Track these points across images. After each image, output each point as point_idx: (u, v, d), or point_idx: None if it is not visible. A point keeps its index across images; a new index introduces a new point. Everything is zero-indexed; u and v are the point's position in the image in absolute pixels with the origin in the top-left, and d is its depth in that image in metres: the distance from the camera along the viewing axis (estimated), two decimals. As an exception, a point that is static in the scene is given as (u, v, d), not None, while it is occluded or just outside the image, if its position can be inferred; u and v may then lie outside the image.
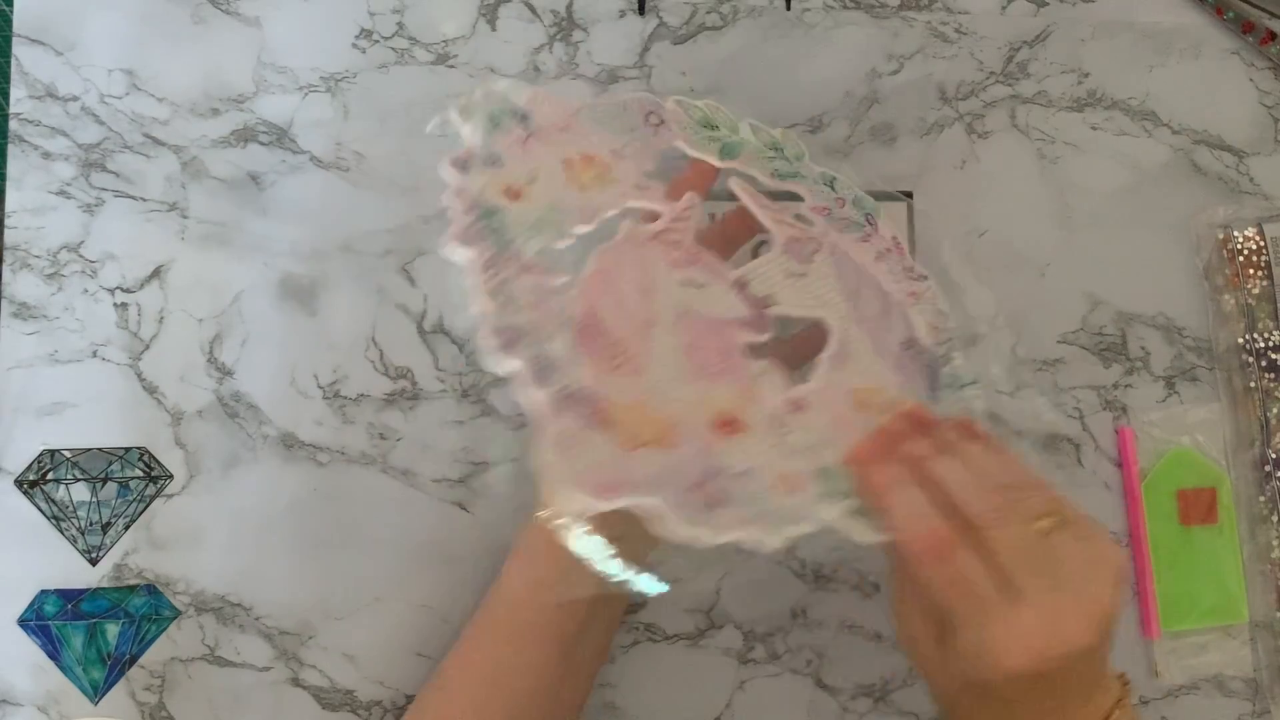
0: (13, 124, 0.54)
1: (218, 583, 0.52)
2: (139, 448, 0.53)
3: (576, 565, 0.44)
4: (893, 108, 0.58)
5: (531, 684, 0.45)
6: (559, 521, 0.38)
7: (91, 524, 0.52)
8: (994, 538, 0.39)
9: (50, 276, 0.53)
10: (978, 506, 0.39)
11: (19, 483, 0.52)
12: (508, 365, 0.38)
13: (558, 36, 0.56)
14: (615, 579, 0.40)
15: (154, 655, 0.52)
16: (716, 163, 0.47)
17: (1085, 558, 0.39)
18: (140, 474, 0.52)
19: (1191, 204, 0.57)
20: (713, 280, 0.45)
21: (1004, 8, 0.58)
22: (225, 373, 0.53)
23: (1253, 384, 0.55)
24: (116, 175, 0.54)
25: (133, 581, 0.52)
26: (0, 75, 0.54)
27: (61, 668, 0.51)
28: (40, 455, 0.52)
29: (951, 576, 0.39)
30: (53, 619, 0.51)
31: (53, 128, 0.54)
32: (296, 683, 0.52)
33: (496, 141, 0.43)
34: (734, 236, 0.49)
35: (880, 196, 0.51)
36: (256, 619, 0.52)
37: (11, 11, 0.54)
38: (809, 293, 0.46)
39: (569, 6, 0.56)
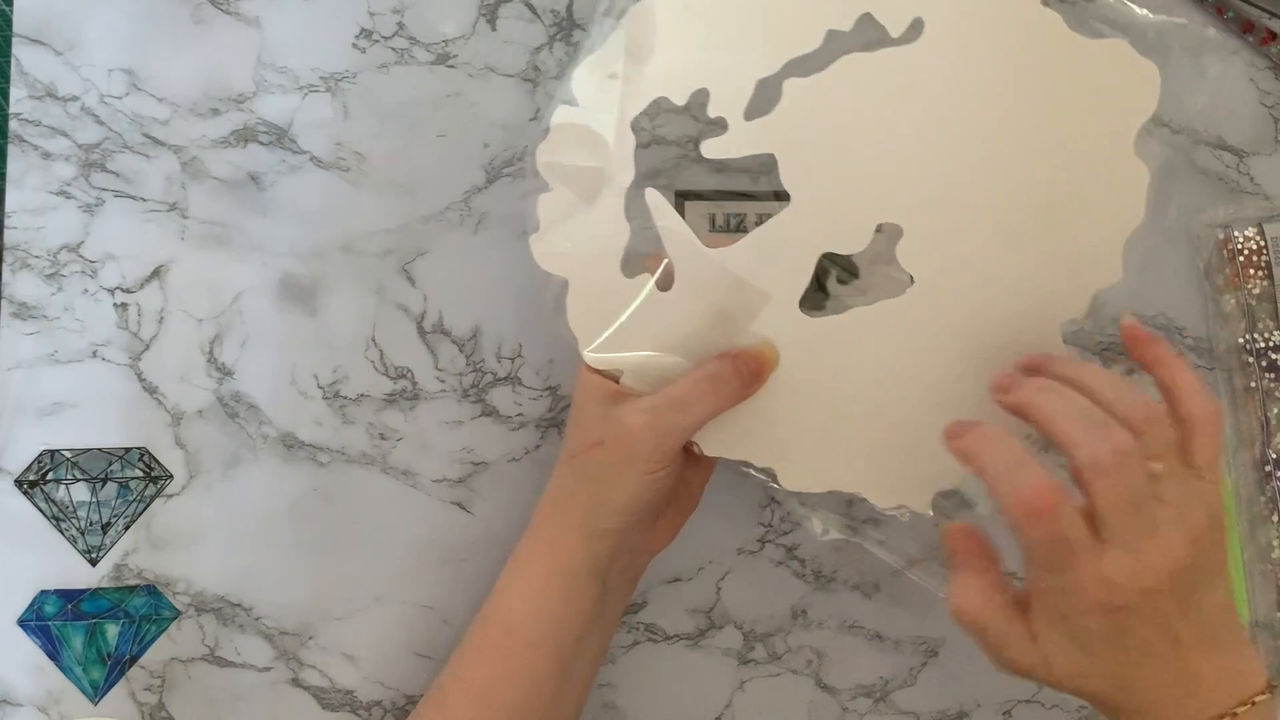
0: (13, 124, 0.54)
1: (218, 583, 0.52)
2: (139, 448, 0.53)
3: (575, 582, 0.45)
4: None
5: (529, 698, 0.45)
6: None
7: (91, 524, 0.52)
8: (1100, 488, 0.38)
9: (50, 276, 0.53)
10: (1091, 450, 0.38)
11: (19, 483, 0.52)
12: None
13: (558, 36, 0.56)
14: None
15: (154, 655, 0.52)
16: None
17: (1186, 499, 0.39)
18: (140, 474, 0.52)
19: (1191, 204, 0.57)
20: None
21: None
22: (225, 373, 0.53)
23: (1253, 384, 0.55)
24: (116, 175, 0.54)
25: (133, 582, 0.52)
26: (0, 75, 0.54)
27: (61, 668, 0.51)
28: (40, 455, 0.52)
29: (1050, 535, 0.38)
30: (53, 619, 0.51)
31: (53, 128, 0.54)
32: (296, 683, 0.52)
33: None
34: None
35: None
36: (256, 619, 0.52)
37: (11, 11, 0.54)
38: None
39: (569, 6, 0.56)
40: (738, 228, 0.52)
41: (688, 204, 0.52)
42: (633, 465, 0.43)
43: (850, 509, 0.50)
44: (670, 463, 0.44)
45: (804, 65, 0.44)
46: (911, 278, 0.45)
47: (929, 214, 0.43)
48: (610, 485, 0.44)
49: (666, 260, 0.45)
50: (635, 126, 0.46)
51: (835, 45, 0.43)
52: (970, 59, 0.43)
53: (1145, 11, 0.59)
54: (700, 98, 0.44)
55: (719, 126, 0.45)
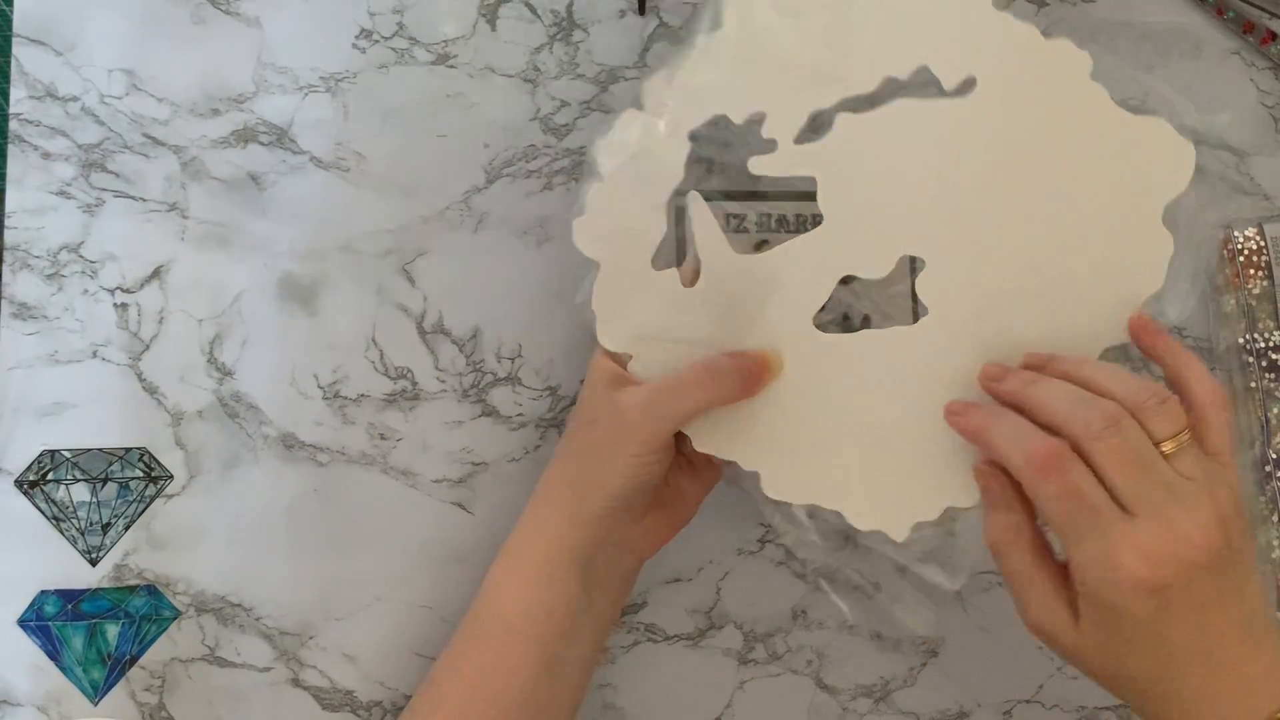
0: (13, 124, 0.54)
1: (218, 583, 0.52)
2: (139, 448, 0.53)
3: (558, 570, 0.45)
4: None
5: (516, 689, 0.45)
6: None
7: (91, 524, 0.52)
8: (1100, 452, 0.39)
9: (50, 277, 0.53)
10: (1084, 420, 0.39)
11: (19, 483, 0.52)
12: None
13: (558, 36, 0.56)
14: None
15: (154, 655, 0.52)
16: None
17: (1208, 476, 0.39)
18: (140, 474, 0.52)
19: (1192, 204, 0.57)
20: None
21: (1005, 8, 0.58)
22: (225, 373, 0.53)
23: (1253, 384, 0.55)
24: (116, 175, 0.54)
25: (133, 582, 0.52)
26: (0, 75, 0.54)
27: (61, 668, 0.51)
28: (40, 455, 0.52)
29: (1063, 489, 0.38)
30: (53, 619, 0.51)
31: (53, 128, 0.54)
32: (296, 683, 0.52)
33: None
34: None
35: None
36: (256, 619, 0.52)
37: (11, 11, 0.54)
38: None
39: (569, 6, 0.56)
40: (738, 229, 0.52)
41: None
42: (622, 444, 0.44)
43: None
44: (660, 449, 0.44)
45: (858, 103, 0.46)
46: (917, 308, 0.46)
47: (953, 252, 0.45)
48: (597, 464, 0.45)
49: (695, 260, 0.47)
50: None
51: (890, 90, 0.46)
52: (1015, 118, 0.45)
53: (1146, 12, 0.59)
54: (756, 119, 0.46)
55: (761, 145, 0.47)
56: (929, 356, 0.45)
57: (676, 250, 0.48)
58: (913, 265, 0.46)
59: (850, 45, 0.46)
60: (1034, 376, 0.42)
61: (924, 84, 0.46)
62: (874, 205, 0.46)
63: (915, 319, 0.46)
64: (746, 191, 0.53)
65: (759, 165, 0.46)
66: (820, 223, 0.47)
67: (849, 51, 0.46)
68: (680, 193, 0.47)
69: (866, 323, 0.49)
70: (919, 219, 0.45)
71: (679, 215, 0.48)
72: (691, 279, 0.47)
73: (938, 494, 0.44)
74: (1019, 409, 0.42)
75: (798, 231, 0.50)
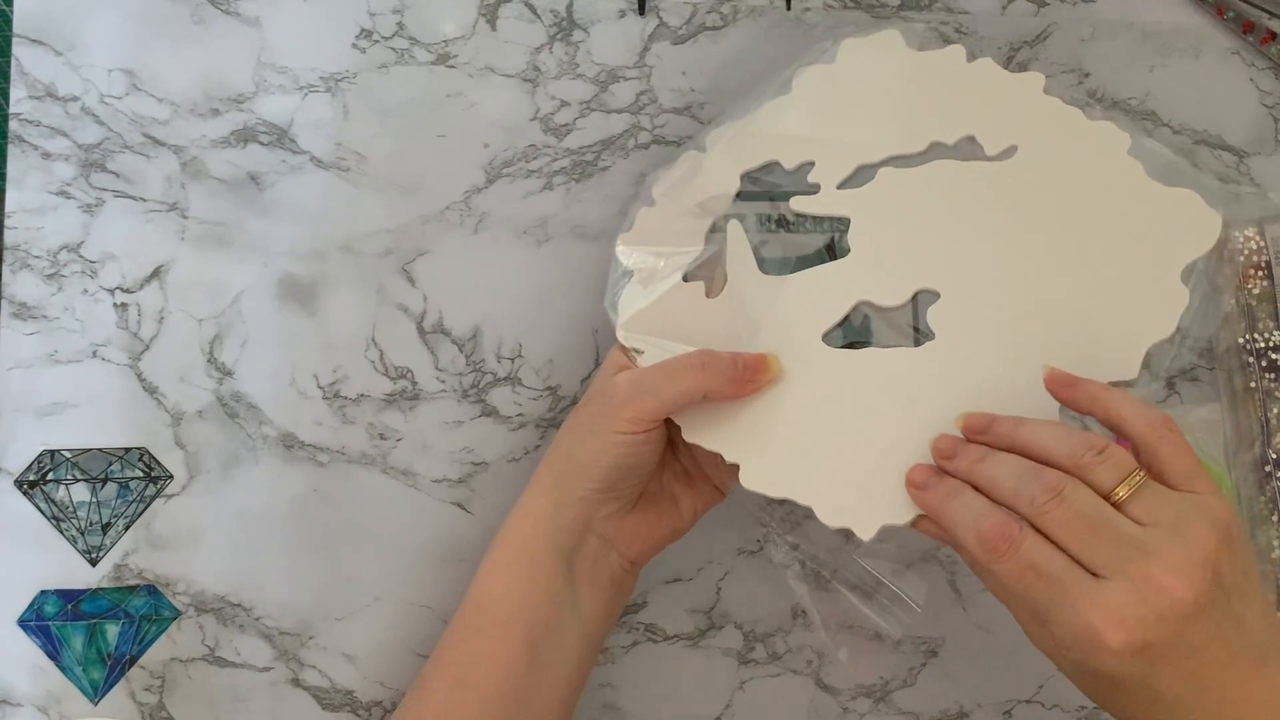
0: (13, 124, 0.54)
1: (218, 583, 0.52)
2: (139, 448, 0.53)
3: (540, 558, 0.46)
4: (893, 108, 0.57)
5: (500, 682, 0.45)
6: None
7: (91, 524, 0.52)
8: (1048, 524, 0.38)
9: (50, 276, 0.53)
10: (1028, 496, 0.39)
11: (19, 483, 0.52)
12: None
13: (558, 36, 0.56)
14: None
15: (154, 655, 0.52)
16: None
17: (1176, 513, 0.38)
18: (140, 474, 0.52)
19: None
20: None
21: (1004, 8, 0.58)
22: (225, 373, 0.53)
23: (1253, 384, 0.55)
24: (116, 175, 0.54)
25: (133, 582, 0.52)
26: (0, 75, 0.54)
27: (61, 668, 0.51)
28: (40, 455, 0.52)
29: (1016, 568, 0.38)
30: (53, 619, 0.51)
31: (53, 128, 0.54)
32: (296, 683, 0.52)
33: None
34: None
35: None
36: (256, 619, 0.52)
37: (11, 11, 0.54)
38: None
39: (569, 6, 0.56)
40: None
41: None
42: (606, 419, 0.44)
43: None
44: (645, 428, 0.44)
45: (902, 160, 0.50)
46: (920, 333, 0.48)
47: (969, 287, 0.48)
48: (581, 439, 0.46)
49: (723, 276, 0.49)
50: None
51: (935, 152, 0.50)
52: (1049, 179, 0.48)
53: (1146, 12, 0.59)
54: (806, 166, 0.51)
55: (805, 184, 0.50)
56: (928, 380, 0.46)
57: (707, 268, 0.50)
58: (914, 295, 0.48)
59: (904, 118, 0.50)
60: (982, 453, 0.42)
61: (967, 156, 0.49)
62: (899, 245, 0.49)
63: (915, 341, 0.48)
64: (749, 193, 0.53)
65: (800, 204, 0.50)
66: (819, 223, 0.49)
67: (902, 119, 0.50)
68: (720, 220, 0.51)
69: (866, 325, 0.49)
70: (941, 256, 0.48)
71: (715, 238, 0.50)
72: (717, 292, 0.49)
73: (910, 502, 0.44)
74: (972, 485, 0.41)
75: (796, 231, 0.51)
